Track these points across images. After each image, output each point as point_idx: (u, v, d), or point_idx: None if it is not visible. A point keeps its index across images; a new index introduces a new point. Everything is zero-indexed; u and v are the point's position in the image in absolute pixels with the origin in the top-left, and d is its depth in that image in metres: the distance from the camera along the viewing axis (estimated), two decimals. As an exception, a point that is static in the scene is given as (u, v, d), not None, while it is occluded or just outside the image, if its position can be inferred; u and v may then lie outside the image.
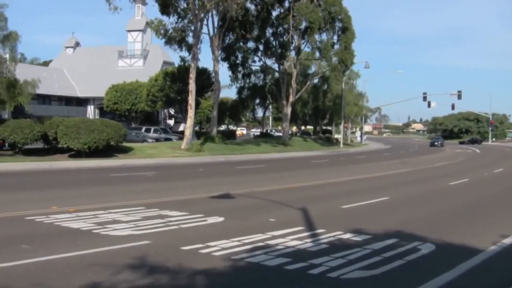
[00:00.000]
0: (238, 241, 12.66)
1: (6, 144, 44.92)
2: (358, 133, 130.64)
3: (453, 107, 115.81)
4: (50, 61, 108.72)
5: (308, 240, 13.01)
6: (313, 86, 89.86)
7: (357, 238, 13.38)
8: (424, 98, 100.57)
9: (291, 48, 73.72)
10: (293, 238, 13.11)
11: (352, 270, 10.40)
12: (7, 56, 44.48)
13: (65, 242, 12.49)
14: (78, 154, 42.75)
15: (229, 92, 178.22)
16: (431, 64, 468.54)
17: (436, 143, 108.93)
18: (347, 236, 13.68)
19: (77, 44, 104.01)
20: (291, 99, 73.93)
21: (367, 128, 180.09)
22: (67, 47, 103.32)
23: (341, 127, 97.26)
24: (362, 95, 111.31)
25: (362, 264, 10.85)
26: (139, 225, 14.57)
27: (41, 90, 51.70)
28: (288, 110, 74.85)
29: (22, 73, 48.72)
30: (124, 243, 12.38)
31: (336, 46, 72.24)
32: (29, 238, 12.81)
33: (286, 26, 70.08)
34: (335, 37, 72.43)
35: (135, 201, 19.00)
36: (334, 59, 72.43)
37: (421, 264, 11.22)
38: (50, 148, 45.17)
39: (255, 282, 9.83)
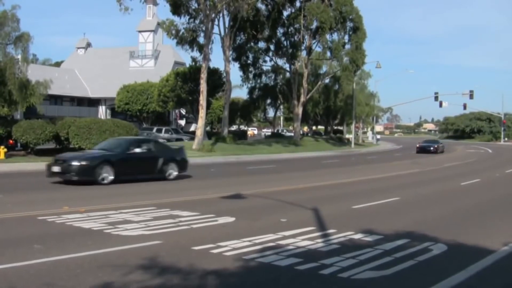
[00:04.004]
0: (249, 241, 12.67)
1: (19, 144, 45.18)
2: (369, 133, 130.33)
3: (465, 107, 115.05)
4: (62, 62, 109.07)
5: (319, 240, 13.00)
6: (324, 86, 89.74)
7: (368, 239, 13.36)
8: (436, 98, 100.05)
9: (302, 48, 73.64)
10: (304, 238, 13.10)
11: (363, 271, 10.38)
12: (19, 57, 44.63)
13: (76, 242, 12.54)
14: (89, 154, 42.79)
15: (240, 92, 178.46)
16: (442, 64, 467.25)
17: (430, 148, 72.51)
18: (358, 236, 13.65)
19: (89, 45, 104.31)
20: (302, 99, 73.86)
21: (378, 128, 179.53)
22: (79, 48, 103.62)
23: (353, 127, 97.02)
24: (374, 95, 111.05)
25: (373, 265, 10.83)
26: (150, 225, 14.60)
27: (53, 91, 51.86)
28: (300, 110, 74.79)
29: (34, 74, 48.92)
30: (135, 243, 12.42)
31: (347, 46, 72.15)
32: (41, 238, 12.87)
33: (297, 26, 70.05)
34: (346, 37, 72.37)
35: (146, 201, 19.05)
36: (345, 59, 72.40)
37: (432, 264, 11.16)
38: (62, 148, 45.28)
39: (266, 283, 9.82)
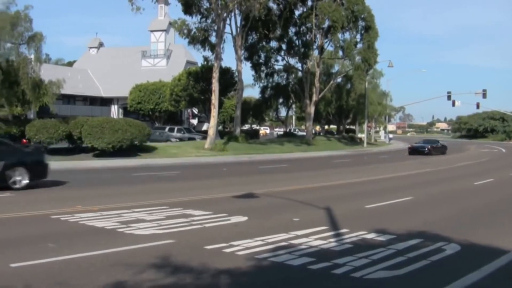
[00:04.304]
0: (262, 240, 12.67)
1: (32, 143, 45.31)
2: (382, 133, 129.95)
3: (478, 106, 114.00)
4: (74, 61, 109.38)
5: (331, 240, 12.99)
6: (336, 85, 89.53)
7: (381, 238, 13.33)
8: (449, 97, 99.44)
9: (314, 47, 73.48)
10: (316, 238, 13.09)
11: (375, 270, 10.36)
12: (32, 56, 44.93)
13: (89, 241, 12.59)
14: (102, 153, 42.98)
15: (252, 92, 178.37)
16: (455, 63, 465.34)
17: (424, 150, 63.62)
18: (371, 236, 13.62)
19: (101, 45, 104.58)
20: (314, 98, 73.77)
21: (391, 127, 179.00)
22: (91, 48, 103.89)
23: (365, 126, 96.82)
24: (386, 94, 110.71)
25: (386, 264, 10.81)
26: (163, 224, 14.63)
27: (65, 90, 52.15)
28: (312, 109, 74.71)
29: (47, 73, 49.15)
30: (147, 242, 12.45)
31: (359, 45, 71.93)
32: (55, 237, 12.92)
33: (309, 25, 69.96)
34: (358, 36, 72.21)
35: (158, 200, 19.08)
36: (358, 58, 72.16)
37: (445, 264, 11.12)
38: (75, 147, 45.50)
39: (278, 282, 9.82)
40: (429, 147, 64.98)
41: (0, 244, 12.18)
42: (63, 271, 10.09)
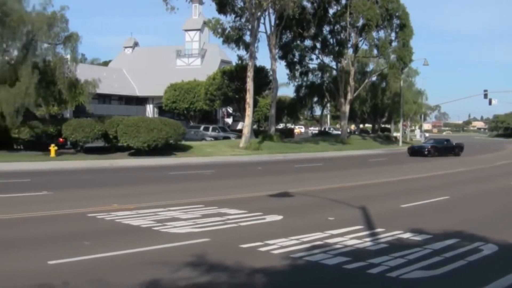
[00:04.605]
0: (297, 239, 12.66)
1: (68, 142, 45.88)
2: (417, 131, 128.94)
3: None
4: (110, 61, 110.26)
5: (367, 239, 12.92)
6: (371, 84, 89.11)
7: (417, 238, 13.22)
8: (485, 96, 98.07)
9: (349, 45, 73.22)
10: (352, 237, 13.03)
11: (412, 270, 10.27)
12: (68, 56, 45.31)
13: (125, 239, 12.71)
14: (137, 152, 43.29)
15: (287, 91, 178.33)
16: (492, 61, 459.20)
17: (424, 151, 55.57)
18: (407, 235, 13.52)
19: (136, 44, 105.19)
20: (349, 97, 73.49)
21: (426, 126, 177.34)
22: (126, 47, 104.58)
23: (400, 125, 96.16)
24: (421, 93, 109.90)
25: (422, 264, 10.71)
26: (198, 222, 14.69)
27: (101, 90, 52.46)
28: (346, 108, 74.41)
29: (82, 73, 49.52)
30: (183, 240, 12.51)
31: (394, 44, 71.58)
32: (91, 235, 13.07)
33: (343, 23, 69.65)
34: (393, 34, 71.77)
35: (194, 199, 19.16)
36: (392, 56, 71.71)
37: (483, 265, 11.00)
38: (111, 146, 45.92)
39: (313, 281, 9.80)
40: (429, 147, 56.31)
41: (38, 242, 12.37)
42: (99, 268, 10.20)
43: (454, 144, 59.69)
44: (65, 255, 10.89)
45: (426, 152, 54.62)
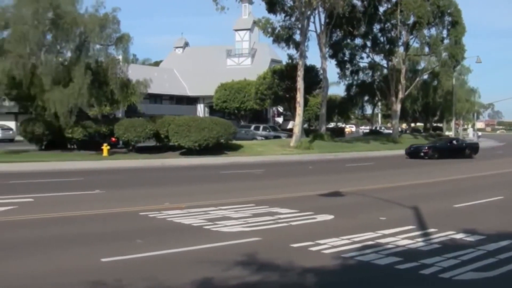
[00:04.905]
0: (348, 239, 12.60)
1: (120, 142, 46.45)
2: (470, 130, 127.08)
3: None
4: (161, 61, 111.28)
5: (419, 240, 12.79)
6: (422, 82, 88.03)
7: (470, 239, 13.02)
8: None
9: (399, 43, 72.42)
10: (403, 237, 12.91)
11: (465, 272, 10.12)
12: (120, 57, 45.89)
13: (176, 237, 12.82)
14: (188, 151, 43.57)
15: (337, 89, 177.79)
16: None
17: (420, 153, 47.93)
18: (460, 236, 13.33)
19: (186, 44, 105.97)
20: (400, 95, 72.75)
21: (479, 124, 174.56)
22: (177, 47, 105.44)
23: (452, 124, 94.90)
24: (474, 91, 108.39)
25: (476, 266, 10.55)
26: (249, 222, 14.73)
27: (152, 90, 52.95)
28: (398, 107, 73.68)
29: (134, 73, 50.05)
30: (234, 239, 12.57)
31: (446, 41, 70.55)
32: (143, 233, 13.24)
33: (393, 21, 68.88)
34: (445, 32, 70.74)
35: (245, 198, 19.22)
36: (444, 54, 70.76)
37: (539, 266, 10.77)
38: (162, 146, 46.35)
39: (365, 281, 9.76)
40: (426, 148, 48.73)
41: (91, 239, 12.58)
42: (151, 266, 10.32)
43: (464, 144, 52.57)
44: (117, 253, 11.06)
45: (422, 154, 47.32)
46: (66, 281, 9.32)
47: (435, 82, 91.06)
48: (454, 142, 52.97)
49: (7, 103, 56.02)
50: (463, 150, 49.65)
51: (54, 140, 45.76)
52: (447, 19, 69.11)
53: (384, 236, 13.03)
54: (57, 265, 10.44)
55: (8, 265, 10.44)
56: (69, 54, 45.39)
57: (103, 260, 10.61)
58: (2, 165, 33.87)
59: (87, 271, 9.91)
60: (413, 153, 48.43)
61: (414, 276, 9.88)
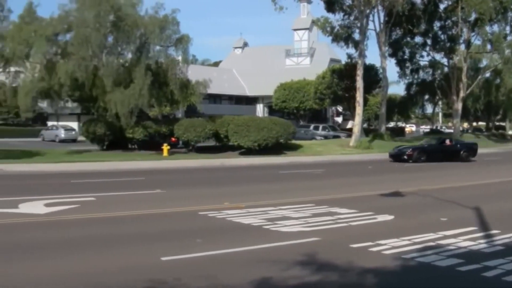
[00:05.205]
0: (408, 240, 12.46)
1: (180, 142, 46.91)
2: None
3: None
4: (220, 61, 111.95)
5: (481, 241, 12.54)
6: (484, 80, 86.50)
7: (535, 240, 12.73)
8: None
9: (461, 41, 71.26)
10: (465, 239, 12.69)
11: (530, 274, 9.90)
12: (179, 58, 46.34)
13: (236, 237, 12.89)
14: (248, 151, 43.74)
15: (397, 89, 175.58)
16: None
17: (403, 156, 41.73)
18: (524, 237, 13.03)
19: (245, 45, 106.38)
20: (461, 94, 71.62)
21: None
22: (236, 48, 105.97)
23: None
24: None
25: (541, 268, 10.29)
26: (309, 221, 14.71)
27: (212, 90, 53.27)
28: (459, 105, 72.55)
29: (194, 74, 50.46)
30: (293, 239, 12.56)
31: (509, 38, 69.17)
32: (202, 233, 13.34)
33: (454, 18, 67.82)
34: (508, 28, 69.31)
35: (304, 198, 19.21)
36: (507, 51, 69.30)
37: None
38: (221, 145, 46.64)
39: (425, 283, 9.64)
40: (409, 151, 42.17)
41: (151, 238, 12.74)
42: (211, 265, 10.40)
43: (458, 145, 45.26)
44: (177, 252, 11.17)
45: (406, 157, 41.29)
46: (127, 279, 9.46)
47: (498, 80, 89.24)
48: (447, 142, 45.70)
49: (70, 104, 57.13)
50: (457, 152, 43.24)
51: (115, 140, 46.52)
52: (510, 15, 67.69)
53: (445, 237, 12.84)
54: (119, 263, 10.63)
55: (72, 262, 10.65)
56: (129, 55, 46.12)
57: (163, 259, 10.74)
58: (65, 165, 34.60)
59: (147, 270, 10.05)
60: (397, 155, 42.45)
61: (476, 278, 9.71)
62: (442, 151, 43.10)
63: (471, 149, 44.80)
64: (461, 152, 43.19)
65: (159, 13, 44.66)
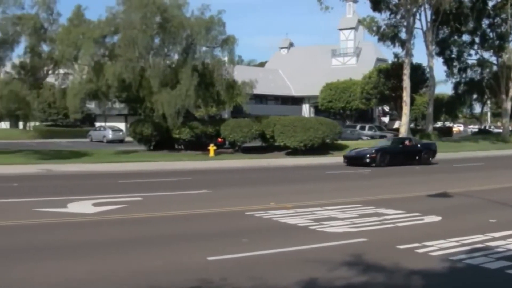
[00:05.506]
0: (456, 241, 12.30)
1: (227, 142, 47.11)
2: None
3: None
4: (266, 62, 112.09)
5: (532, 243, 12.33)
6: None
7: None
8: None
9: (510, 39, 70.11)
10: (515, 241, 12.49)
11: None
12: (225, 59, 46.55)
13: (282, 237, 12.90)
14: (294, 151, 43.73)
15: (444, 88, 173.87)
16: None
17: (365, 159, 36.37)
18: None
19: (291, 45, 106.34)
20: (511, 93, 70.43)
21: None
22: (282, 48, 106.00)
23: None
24: None
25: None
26: (355, 222, 14.64)
27: (257, 90, 53.37)
28: (508, 105, 71.36)
29: (240, 74, 50.64)
30: (340, 240, 12.53)
31: (560, 35, 67.86)
32: (249, 232, 13.40)
33: (503, 16, 66.62)
34: (561, 25, 68.00)
35: (351, 198, 19.14)
36: (558, 48, 68.08)
37: None
38: (268, 146, 46.69)
39: (474, 285, 9.54)
40: (372, 153, 36.95)
41: (198, 238, 12.83)
42: (257, 265, 10.43)
43: (419, 145, 40.64)
44: (223, 252, 11.22)
45: (368, 161, 36.36)
46: (174, 278, 9.55)
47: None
48: (407, 142, 40.59)
49: (117, 105, 57.94)
50: (418, 153, 39.02)
51: (162, 141, 46.93)
52: (562, 11, 66.35)
53: (494, 239, 12.63)
54: (164, 262, 10.73)
55: (119, 261, 10.81)
56: (176, 56, 46.57)
57: (209, 258, 10.79)
58: (113, 165, 35.04)
59: (193, 269, 10.13)
60: (355, 158, 37.21)
61: (526, 280, 9.58)
62: (404, 152, 38.84)
63: (431, 150, 40.34)
64: (422, 154, 38.97)
65: (205, 14, 45.04)
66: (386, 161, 36.48)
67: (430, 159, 39.11)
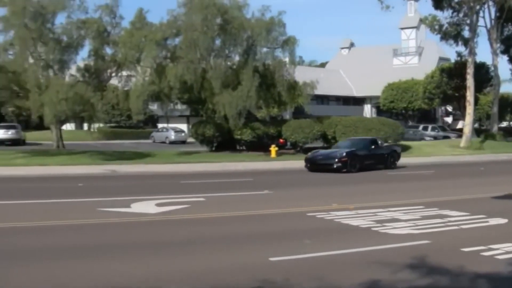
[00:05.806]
0: (523, 244, 12.04)
1: (288, 143, 47.16)
2: None
3: None
4: (327, 62, 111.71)
5: None
6: None
7: None
8: None
9: None
10: None
11: None
12: (286, 59, 46.58)
13: (344, 238, 12.87)
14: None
15: (509, 87, 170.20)
16: None
17: (332, 164, 32.12)
18: None
19: (352, 45, 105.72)
20: None
21: None
22: (342, 48, 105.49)
23: None
24: None
25: None
26: (418, 224, 14.46)
27: (319, 91, 53.27)
28: None
29: (301, 75, 50.61)
30: (402, 242, 12.40)
31: None
32: (311, 233, 13.37)
33: None
34: None
35: (413, 200, 18.91)
36: None
37: None
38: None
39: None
40: (343, 156, 32.38)
41: (260, 239, 12.89)
42: (319, 267, 10.40)
43: (385, 149, 36.66)
44: (285, 253, 11.22)
45: (338, 166, 32.05)
46: (236, 278, 9.60)
47: None
48: (373, 146, 35.56)
49: (179, 106, 58.56)
50: (384, 157, 35.44)
51: (223, 142, 47.25)
52: None
53: None
54: (227, 262, 10.80)
55: (182, 261, 10.91)
56: (237, 58, 46.84)
57: (272, 259, 10.80)
58: (175, 166, 35.46)
59: (256, 269, 10.17)
60: (316, 163, 33.28)
61: None
62: (373, 156, 35.08)
63: (396, 153, 36.66)
64: (389, 157, 35.55)
65: (265, 15, 45.19)
66: (357, 166, 32.52)
67: (396, 162, 35.94)
